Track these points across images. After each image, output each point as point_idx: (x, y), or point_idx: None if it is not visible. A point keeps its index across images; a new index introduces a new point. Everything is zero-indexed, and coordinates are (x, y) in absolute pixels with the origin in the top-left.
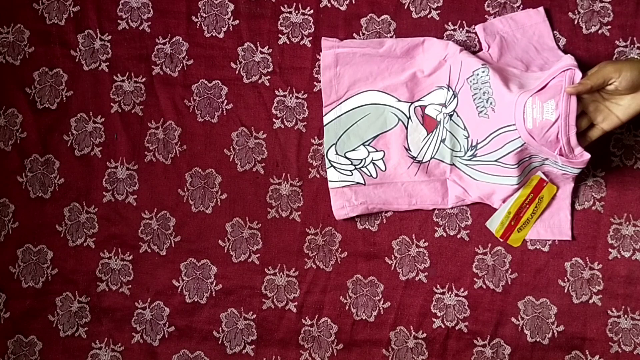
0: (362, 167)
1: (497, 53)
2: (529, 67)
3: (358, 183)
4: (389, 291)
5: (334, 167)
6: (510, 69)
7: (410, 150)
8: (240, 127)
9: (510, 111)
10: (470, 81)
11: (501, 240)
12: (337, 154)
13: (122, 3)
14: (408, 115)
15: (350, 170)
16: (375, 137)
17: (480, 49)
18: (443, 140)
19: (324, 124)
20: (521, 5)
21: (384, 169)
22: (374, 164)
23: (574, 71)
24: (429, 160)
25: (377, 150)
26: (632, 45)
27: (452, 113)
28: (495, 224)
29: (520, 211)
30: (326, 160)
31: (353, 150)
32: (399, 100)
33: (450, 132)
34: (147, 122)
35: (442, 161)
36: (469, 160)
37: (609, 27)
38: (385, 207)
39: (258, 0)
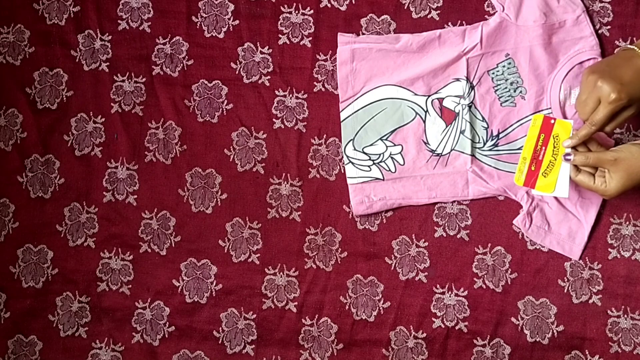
0: (381, 162)
1: (514, 11)
2: (548, 18)
3: (377, 179)
4: (389, 291)
5: (352, 164)
6: (530, 33)
7: (429, 144)
8: (241, 127)
9: (543, 96)
10: (493, 73)
11: (528, 188)
12: (355, 149)
13: (122, 3)
14: (425, 109)
15: (369, 166)
16: (392, 132)
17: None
18: (462, 132)
19: (341, 120)
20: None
21: (402, 163)
22: (392, 158)
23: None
24: (449, 153)
25: (395, 145)
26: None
27: (470, 104)
28: (515, 176)
29: (537, 154)
30: (344, 157)
31: (371, 145)
32: (416, 94)
33: (469, 122)
34: (147, 122)
35: (463, 152)
36: (490, 150)
37: (608, 27)
38: (405, 202)
39: (258, 0)
